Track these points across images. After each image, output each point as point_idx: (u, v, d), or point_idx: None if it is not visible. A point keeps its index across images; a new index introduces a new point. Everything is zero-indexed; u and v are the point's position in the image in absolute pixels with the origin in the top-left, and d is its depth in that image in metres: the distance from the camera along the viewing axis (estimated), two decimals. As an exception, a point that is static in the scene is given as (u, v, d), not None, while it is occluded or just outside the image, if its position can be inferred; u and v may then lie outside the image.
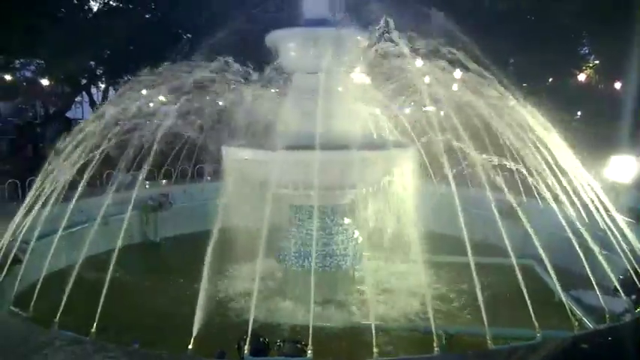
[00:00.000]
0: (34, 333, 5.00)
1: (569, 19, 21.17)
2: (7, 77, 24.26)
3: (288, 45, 8.70)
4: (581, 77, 26.04)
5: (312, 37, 8.30)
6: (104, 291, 6.06)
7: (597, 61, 25.91)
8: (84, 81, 25.69)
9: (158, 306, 8.08)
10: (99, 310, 5.89)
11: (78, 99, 29.15)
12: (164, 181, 15.08)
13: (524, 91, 8.76)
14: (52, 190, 7.74)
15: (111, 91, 26.00)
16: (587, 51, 26.53)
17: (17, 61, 23.49)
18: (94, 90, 28.75)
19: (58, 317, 6.02)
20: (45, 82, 24.97)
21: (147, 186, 14.21)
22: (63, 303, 6.14)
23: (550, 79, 25.80)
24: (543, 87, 24.96)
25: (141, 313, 7.80)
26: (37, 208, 7.84)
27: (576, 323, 6.40)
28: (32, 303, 6.80)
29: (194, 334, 5.40)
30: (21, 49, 19.99)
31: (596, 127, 20.49)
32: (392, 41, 8.19)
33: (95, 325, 5.79)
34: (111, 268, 6.53)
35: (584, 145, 8.75)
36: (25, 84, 25.88)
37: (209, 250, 6.04)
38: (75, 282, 6.50)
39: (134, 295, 8.59)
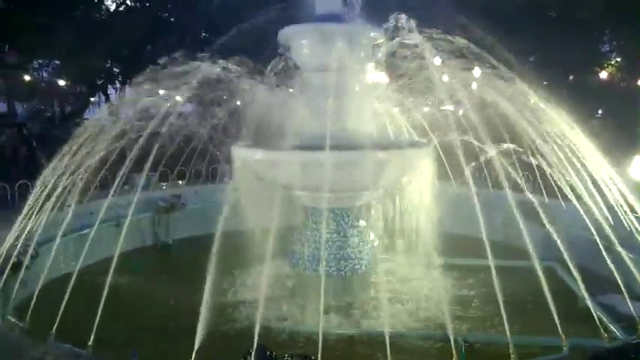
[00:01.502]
0: (26, 346, 4.83)
1: (590, 15, 20.72)
2: (26, 77, 24.47)
3: (301, 42, 8.46)
4: (603, 75, 25.52)
5: (324, 32, 8.03)
6: (107, 298, 5.89)
7: (619, 59, 25.38)
8: (100, 81, 25.84)
9: (165, 312, 7.85)
10: (97, 320, 5.69)
11: (95, 99, 29.35)
12: (180, 181, 15.02)
13: (544, 89, 8.52)
14: (59, 192, 7.64)
15: (127, 91, 26.14)
16: (608, 48, 25.99)
17: (35, 62, 23.75)
18: (111, 90, 28.98)
19: (55, 328, 5.86)
20: (62, 82, 25.17)
21: (164, 187, 14.17)
22: (61, 311, 6.00)
23: (571, 77, 25.31)
24: (564, 85, 24.50)
25: (146, 321, 7.57)
26: (43, 210, 7.75)
27: (605, 335, 6.11)
28: (30, 311, 6.66)
29: (196, 347, 5.20)
30: (37, 49, 20.10)
31: (619, 125, 20.04)
32: (408, 37, 7.99)
33: (92, 336, 5.60)
34: (119, 272, 6.40)
35: (606, 143, 8.44)
36: (43, 84, 26.14)
37: (215, 255, 5.84)
38: (81, 287, 6.36)
39: (141, 301, 8.36)
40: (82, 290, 6.45)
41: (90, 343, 5.67)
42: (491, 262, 5.97)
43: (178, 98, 9.67)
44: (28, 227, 7.84)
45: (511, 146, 8.26)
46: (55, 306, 6.23)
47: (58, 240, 7.77)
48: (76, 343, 5.72)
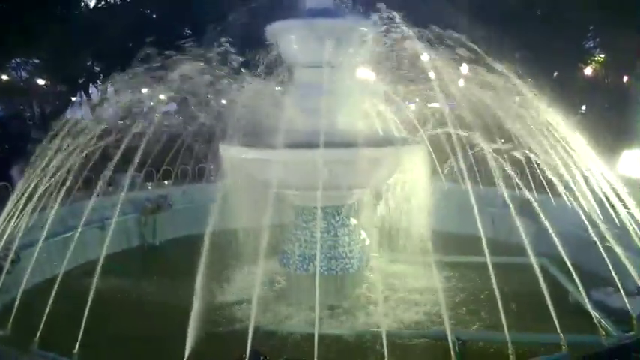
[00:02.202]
0: (8, 356, 4.64)
1: (575, 12, 20.87)
2: (4, 77, 23.97)
3: (290, 37, 8.30)
4: (588, 71, 25.77)
5: (314, 28, 7.89)
6: (92, 303, 5.71)
7: (602, 55, 25.65)
8: (81, 79, 25.39)
9: (154, 316, 7.62)
10: (82, 326, 5.51)
11: (77, 98, 28.86)
12: (166, 182, 14.76)
13: (529, 85, 8.55)
14: (40, 194, 7.41)
15: (110, 90, 25.69)
16: (592, 45, 26.25)
17: (13, 61, 23.25)
18: (93, 89, 28.50)
19: (38, 335, 5.67)
20: (41, 81, 24.71)
21: (149, 187, 13.93)
22: (45, 318, 5.80)
23: (555, 73, 25.51)
24: (548, 81, 24.69)
25: (134, 326, 7.33)
26: (24, 213, 7.52)
27: (603, 332, 6.08)
28: (11, 318, 6.46)
29: (187, 352, 5.02)
30: (16, 48, 19.68)
31: (603, 120, 20.22)
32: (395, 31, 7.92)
33: (78, 343, 5.42)
34: (105, 275, 6.21)
35: (590, 139, 8.48)
36: (21, 84, 25.63)
37: (204, 256, 5.66)
38: (65, 292, 6.15)
39: (128, 305, 8.15)
40: (66, 295, 6.24)
41: (75, 350, 5.51)
42: (485, 258, 5.92)
43: (162, 97, 9.48)
44: (9, 230, 7.59)
45: (500, 142, 8.24)
46: (39, 312, 6.01)
47: (40, 243, 7.52)
48: (60, 351, 5.56)
